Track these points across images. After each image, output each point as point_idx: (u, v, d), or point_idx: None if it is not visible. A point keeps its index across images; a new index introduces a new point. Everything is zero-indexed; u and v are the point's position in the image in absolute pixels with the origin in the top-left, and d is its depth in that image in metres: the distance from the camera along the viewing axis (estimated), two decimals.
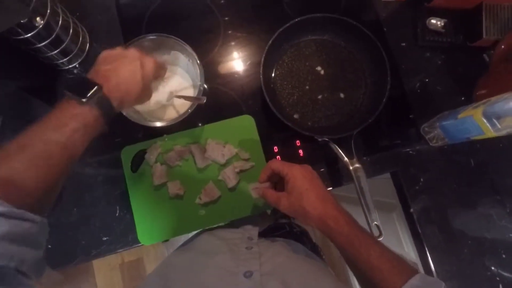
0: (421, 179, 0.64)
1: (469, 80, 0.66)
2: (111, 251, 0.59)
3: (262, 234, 0.56)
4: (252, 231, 0.54)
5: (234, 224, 0.61)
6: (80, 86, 0.37)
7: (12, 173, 0.31)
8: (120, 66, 0.41)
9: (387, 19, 0.71)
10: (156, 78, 0.49)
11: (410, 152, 0.66)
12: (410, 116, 0.67)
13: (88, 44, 0.66)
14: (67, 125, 0.35)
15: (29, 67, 0.63)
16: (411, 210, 0.64)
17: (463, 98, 0.67)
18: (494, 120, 0.48)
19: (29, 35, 0.52)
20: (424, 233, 0.63)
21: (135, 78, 0.42)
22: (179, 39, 0.59)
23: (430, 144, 0.65)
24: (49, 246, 0.58)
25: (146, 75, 0.43)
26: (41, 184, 0.33)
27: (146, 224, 0.59)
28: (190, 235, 0.60)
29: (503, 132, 0.49)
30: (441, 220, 0.63)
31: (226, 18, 0.70)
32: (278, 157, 0.64)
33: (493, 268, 0.62)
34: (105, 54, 0.43)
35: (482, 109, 0.49)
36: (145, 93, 0.46)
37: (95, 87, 0.37)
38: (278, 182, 0.53)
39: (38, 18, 0.51)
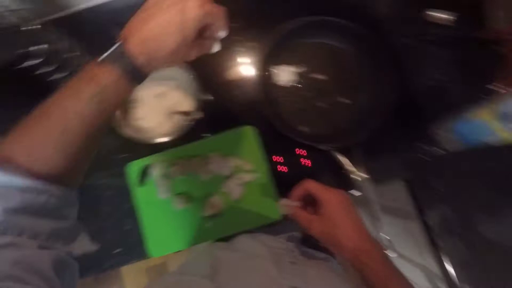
0: (438, 186, 0.60)
1: (484, 74, 0.60)
2: (122, 263, 0.61)
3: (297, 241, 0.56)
4: (293, 244, 0.54)
5: (271, 230, 0.60)
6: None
7: (33, 144, 0.30)
8: (153, 15, 0.32)
9: (388, 16, 0.66)
10: (209, 30, 0.36)
11: (424, 157, 0.61)
12: (421, 118, 0.62)
13: None
14: (83, 91, 0.31)
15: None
16: (428, 220, 0.59)
17: (480, 95, 0.61)
18: (507, 121, 0.43)
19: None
20: (444, 245, 0.58)
21: (169, 29, 0.32)
22: None
23: (446, 147, 0.60)
24: None
25: (187, 23, 0.32)
26: (61, 154, 0.31)
27: (155, 237, 0.60)
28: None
29: None
30: (463, 231, 0.58)
31: None
32: (285, 167, 0.63)
33: None
34: None
35: (495, 109, 0.44)
36: (184, 49, 0.34)
37: (116, 43, 0.32)
38: (310, 202, 0.51)
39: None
